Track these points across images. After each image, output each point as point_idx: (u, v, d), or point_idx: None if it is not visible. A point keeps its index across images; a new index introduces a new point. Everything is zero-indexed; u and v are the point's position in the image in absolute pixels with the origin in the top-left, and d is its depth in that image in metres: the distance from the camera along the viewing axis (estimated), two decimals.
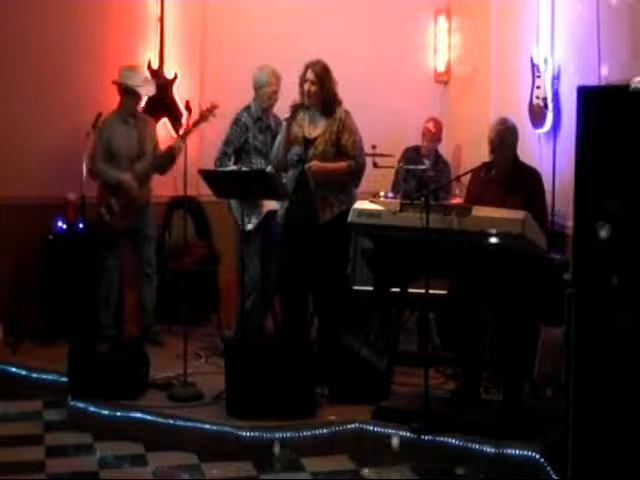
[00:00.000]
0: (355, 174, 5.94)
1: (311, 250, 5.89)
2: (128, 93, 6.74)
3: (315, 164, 5.82)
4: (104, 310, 6.83)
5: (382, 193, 7.05)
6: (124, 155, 6.74)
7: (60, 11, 7.25)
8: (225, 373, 5.49)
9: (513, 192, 5.46)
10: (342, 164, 5.88)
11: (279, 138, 6.01)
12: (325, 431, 5.31)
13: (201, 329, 7.16)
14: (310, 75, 5.84)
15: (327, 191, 5.85)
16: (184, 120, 6.18)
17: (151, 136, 6.90)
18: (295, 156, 5.92)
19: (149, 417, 5.49)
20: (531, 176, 5.59)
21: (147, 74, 7.13)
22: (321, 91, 5.85)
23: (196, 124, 6.42)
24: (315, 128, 5.92)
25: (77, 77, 7.27)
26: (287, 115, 5.92)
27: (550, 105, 6.23)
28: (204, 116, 6.38)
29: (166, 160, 6.74)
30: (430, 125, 7.50)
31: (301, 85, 5.89)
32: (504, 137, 5.50)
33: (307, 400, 5.43)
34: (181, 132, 6.66)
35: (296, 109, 5.90)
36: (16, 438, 5.58)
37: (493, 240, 5.02)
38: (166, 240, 7.38)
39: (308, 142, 5.89)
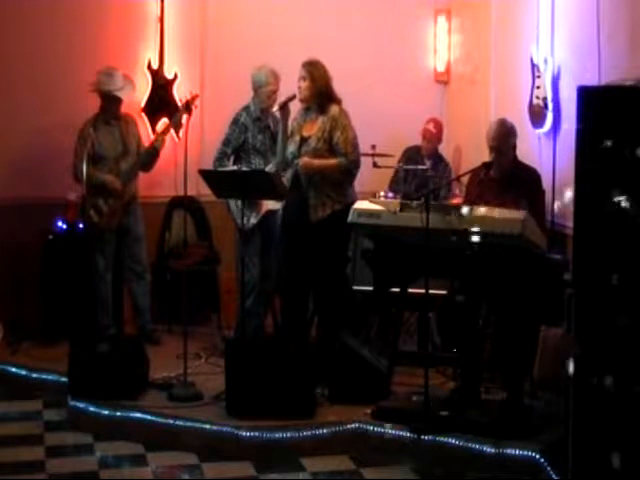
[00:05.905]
0: (346, 171, 5.95)
1: (307, 250, 5.90)
2: (109, 97, 6.74)
3: (303, 159, 5.86)
4: (102, 311, 6.82)
5: (382, 193, 7.04)
6: (110, 156, 6.74)
7: (60, 11, 7.24)
8: (225, 373, 5.50)
9: (512, 192, 5.47)
10: (332, 161, 5.90)
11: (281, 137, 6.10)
12: (325, 431, 5.32)
13: (201, 329, 7.14)
14: (302, 72, 5.96)
15: (320, 190, 5.88)
16: (184, 120, 6.16)
17: (134, 134, 6.91)
18: (290, 155, 5.99)
19: (149, 417, 5.49)
20: (530, 176, 5.60)
21: (122, 76, 6.89)
22: (312, 85, 5.92)
23: (178, 118, 6.45)
24: (311, 127, 6.00)
25: (77, 77, 7.23)
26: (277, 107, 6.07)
27: (550, 105, 6.22)
28: (186, 107, 6.32)
29: (150, 157, 6.75)
30: (430, 126, 7.48)
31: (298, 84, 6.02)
32: (505, 139, 5.50)
33: (307, 400, 5.43)
34: (161, 128, 6.68)
35: (286, 103, 5.99)
36: (16, 438, 5.58)
37: (493, 240, 5.02)
38: (166, 240, 7.38)
39: (303, 140, 5.97)
